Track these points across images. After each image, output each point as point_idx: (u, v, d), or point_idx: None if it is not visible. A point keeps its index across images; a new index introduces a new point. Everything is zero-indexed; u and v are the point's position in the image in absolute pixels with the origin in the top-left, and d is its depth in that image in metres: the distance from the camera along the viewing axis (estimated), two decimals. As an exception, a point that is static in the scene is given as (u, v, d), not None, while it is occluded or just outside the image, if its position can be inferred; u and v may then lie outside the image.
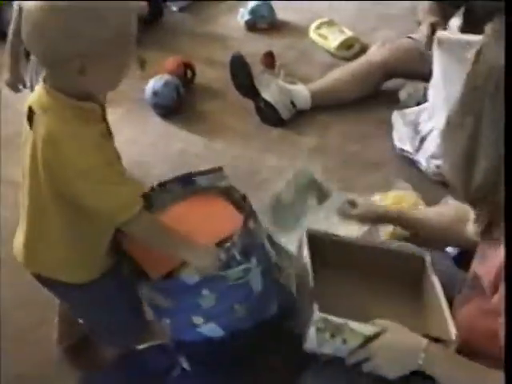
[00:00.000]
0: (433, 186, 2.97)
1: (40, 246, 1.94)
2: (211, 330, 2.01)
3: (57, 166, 1.74)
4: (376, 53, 3.48)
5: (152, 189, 2.13)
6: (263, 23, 4.05)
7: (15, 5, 2.58)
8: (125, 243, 1.99)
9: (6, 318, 2.46)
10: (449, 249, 2.42)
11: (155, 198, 2.11)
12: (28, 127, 1.79)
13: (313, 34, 3.94)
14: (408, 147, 3.10)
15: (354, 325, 1.89)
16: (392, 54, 3.40)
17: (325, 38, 3.88)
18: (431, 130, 3.03)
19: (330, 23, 3.96)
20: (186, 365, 2.23)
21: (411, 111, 3.18)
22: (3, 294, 2.56)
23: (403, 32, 3.63)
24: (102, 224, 1.88)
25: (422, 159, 3.05)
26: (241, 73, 3.38)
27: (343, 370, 1.87)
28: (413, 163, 3.11)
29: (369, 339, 1.86)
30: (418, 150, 3.07)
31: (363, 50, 3.79)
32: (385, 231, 2.55)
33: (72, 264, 1.95)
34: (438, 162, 2.91)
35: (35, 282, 2.04)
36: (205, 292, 1.95)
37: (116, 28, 1.65)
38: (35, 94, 1.78)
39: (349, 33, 3.88)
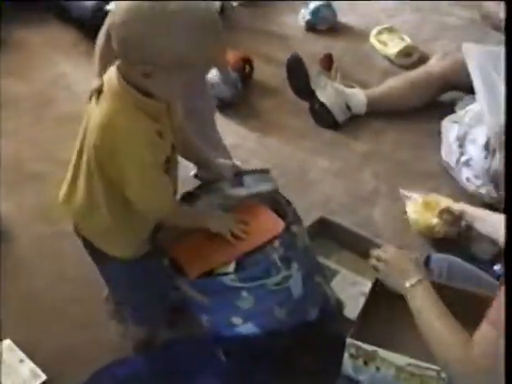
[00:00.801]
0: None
1: (91, 213, 1.99)
2: (249, 329, 2.02)
3: (107, 151, 1.79)
4: (436, 64, 3.45)
5: (200, 187, 2.16)
6: (324, 25, 4.04)
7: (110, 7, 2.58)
8: (165, 241, 2.03)
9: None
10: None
11: (202, 195, 2.12)
12: (94, 101, 1.83)
13: (373, 40, 3.93)
14: (452, 162, 3.08)
15: (384, 353, 1.90)
16: (452, 66, 3.36)
17: (384, 44, 3.87)
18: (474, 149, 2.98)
19: (391, 30, 3.95)
20: (222, 357, 2.24)
21: (461, 123, 3.13)
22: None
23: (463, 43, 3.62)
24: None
25: (463, 177, 3.03)
26: (297, 74, 3.38)
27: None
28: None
29: (403, 370, 1.87)
30: (460, 166, 3.04)
31: (422, 59, 3.76)
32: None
33: (115, 238, 2.01)
34: (479, 182, 2.91)
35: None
36: (244, 294, 1.96)
37: (186, 49, 1.68)
38: (108, 74, 1.81)
39: (408, 41, 3.87)
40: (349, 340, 1.92)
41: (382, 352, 1.90)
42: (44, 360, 2.30)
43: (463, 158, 2.99)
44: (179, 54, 1.68)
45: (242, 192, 2.13)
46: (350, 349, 1.92)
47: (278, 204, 2.12)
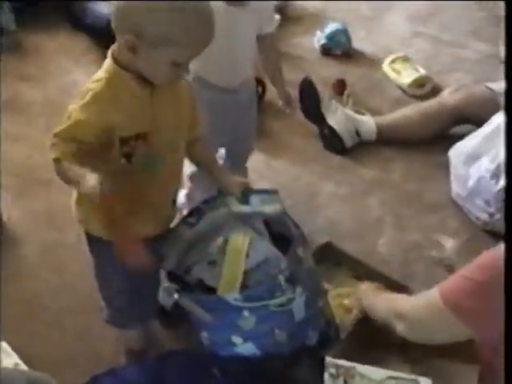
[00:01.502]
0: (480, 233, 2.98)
1: (84, 203, 2.01)
2: (249, 349, 2.02)
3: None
4: (449, 97, 3.45)
5: (206, 201, 2.15)
6: (338, 50, 4.06)
7: None
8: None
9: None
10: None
11: (207, 211, 2.13)
12: None
13: (386, 68, 3.94)
14: (460, 191, 3.08)
15: (363, 368, 1.90)
16: (465, 100, 3.37)
17: (398, 73, 3.88)
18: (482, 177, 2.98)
19: (405, 59, 3.96)
20: (218, 374, 2.24)
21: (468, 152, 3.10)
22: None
23: (477, 77, 3.65)
24: None
25: (472, 207, 3.03)
26: (309, 97, 3.39)
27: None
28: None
29: None
30: (469, 196, 3.04)
31: (435, 90, 3.77)
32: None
33: (88, 215, 2.02)
34: (491, 209, 2.91)
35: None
36: (246, 313, 1.95)
37: (170, 25, 1.74)
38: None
39: (422, 71, 3.87)
40: (327, 359, 1.92)
41: (359, 367, 1.91)
42: (39, 367, 2.28)
43: (471, 183, 2.99)
44: (162, 27, 1.73)
45: (247, 210, 2.13)
46: (330, 368, 1.92)
47: (284, 226, 2.12)
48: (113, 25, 1.81)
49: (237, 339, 2.01)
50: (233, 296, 1.93)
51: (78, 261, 2.70)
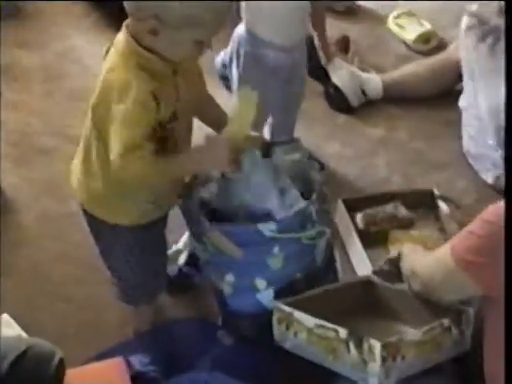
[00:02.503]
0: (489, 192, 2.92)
1: (88, 178, 1.98)
2: (267, 297, 2.04)
3: (103, 108, 1.81)
4: (456, 51, 3.38)
5: None
6: (341, 6, 3.95)
7: None
8: None
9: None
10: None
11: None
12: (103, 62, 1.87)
13: (391, 23, 3.84)
14: (472, 148, 3.04)
15: (298, 315, 1.89)
16: (472, 53, 3.30)
17: (403, 28, 3.78)
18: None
19: (410, 14, 3.85)
20: (227, 340, 2.21)
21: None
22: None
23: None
24: None
25: (480, 166, 3.00)
26: (310, 53, 3.32)
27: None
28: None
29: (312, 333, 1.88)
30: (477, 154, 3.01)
31: (440, 45, 3.68)
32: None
33: (111, 205, 1.99)
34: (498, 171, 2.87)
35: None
36: (275, 250, 1.98)
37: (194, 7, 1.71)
38: (118, 34, 1.84)
39: (428, 26, 3.77)
40: (275, 303, 1.89)
41: (296, 314, 1.89)
42: (42, 337, 2.24)
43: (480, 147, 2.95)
44: (184, 10, 1.69)
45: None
46: (276, 313, 1.91)
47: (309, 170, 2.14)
48: (128, 9, 1.76)
49: (261, 283, 2.03)
50: (268, 227, 1.93)
51: (79, 230, 2.63)
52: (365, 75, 3.36)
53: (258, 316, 2.10)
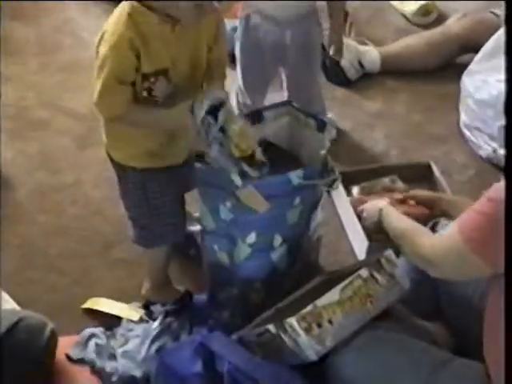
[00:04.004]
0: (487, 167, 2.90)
1: (103, 124, 2.08)
2: (280, 257, 2.15)
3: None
4: (455, 24, 3.35)
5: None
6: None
7: None
8: None
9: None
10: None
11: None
12: None
13: (390, -5, 3.80)
14: (471, 121, 3.00)
15: (321, 301, 1.86)
16: (472, 27, 3.27)
17: (402, 0, 3.75)
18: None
19: (410, -14, 3.82)
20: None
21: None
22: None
23: (485, 4, 3.49)
24: None
25: (477, 139, 2.96)
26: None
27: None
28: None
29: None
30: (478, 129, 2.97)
31: (440, 18, 3.64)
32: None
33: (117, 146, 2.10)
34: (495, 144, 2.84)
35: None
36: (297, 201, 2.06)
37: None
38: None
39: (428, -2, 3.74)
40: (288, 320, 1.86)
41: (318, 302, 1.86)
42: (37, 311, 2.25)
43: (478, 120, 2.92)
44: None
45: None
46: (301, 323, 1.84)
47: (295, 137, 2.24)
48: None
49: (277, 239, 2.11)
50: (297, 174, 2.00)
51: (75, 203, 2.65)
52: (362, 48, 3.33)
53: (269, 281, 2.18)
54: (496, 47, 2.90)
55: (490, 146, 2.88)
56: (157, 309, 2.27)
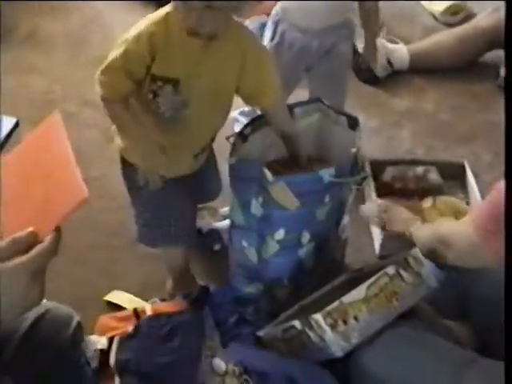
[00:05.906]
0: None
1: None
2: (307, 253, 2.14)
3: None
4: (484, 19, 3.33)
5: (248, 124, 2.13)
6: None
7: None
8: None
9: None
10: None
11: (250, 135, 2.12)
12: None
13: (419, -5, 3.79)
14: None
15: (347, 298, 1.84)
16: (500, 23, 3.19)
17: (431, 0, 3.73)
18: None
19: (439, -15, 3.80)
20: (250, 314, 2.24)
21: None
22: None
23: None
24: None
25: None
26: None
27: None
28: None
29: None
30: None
31: (468, 18, 3.60)
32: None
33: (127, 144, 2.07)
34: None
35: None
36: (327, 199, 2.04)
37: None
38: None
39: (457, -2, 3.72)
40: (314, 316, 1.85)
41: (344, 299, 1.84)
42: (61, 303, 2.26)
43: None
44: None
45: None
46: (327, 320, 1.83)
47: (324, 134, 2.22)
48: None
49: (305, 236, 2.10)
50: (328, 172, 1.98)
51: (101, 196, 2.65)
52: (391, 46, 3.32)
53: (295, 277, 2.18)
54: None
55: None
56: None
